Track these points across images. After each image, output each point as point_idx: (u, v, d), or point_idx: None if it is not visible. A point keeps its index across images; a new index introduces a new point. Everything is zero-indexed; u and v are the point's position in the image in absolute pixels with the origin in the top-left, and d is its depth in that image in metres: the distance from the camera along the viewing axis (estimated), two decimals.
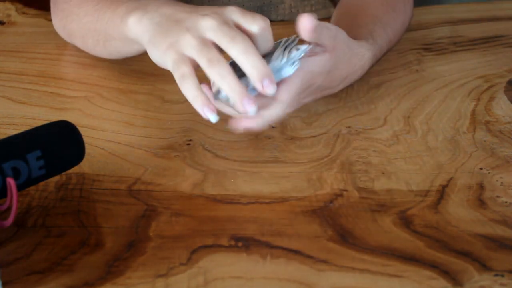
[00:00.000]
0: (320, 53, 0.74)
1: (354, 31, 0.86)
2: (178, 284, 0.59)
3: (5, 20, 1.03)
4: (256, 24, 0.69)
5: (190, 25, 0.69)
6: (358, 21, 0.90)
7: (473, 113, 0.85)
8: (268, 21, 0.70)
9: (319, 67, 0.74)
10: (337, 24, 0.94)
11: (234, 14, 0.70)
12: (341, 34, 0.77)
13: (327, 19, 1.06)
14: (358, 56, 0.82)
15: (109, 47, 0.85)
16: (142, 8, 0.75)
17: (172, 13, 0.72)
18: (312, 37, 0.71)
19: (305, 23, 0.69)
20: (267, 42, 0.70)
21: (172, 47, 0.69)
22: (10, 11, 1.06)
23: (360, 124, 0.82)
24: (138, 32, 0.75)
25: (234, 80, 0.67)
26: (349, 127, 0.81)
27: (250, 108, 0.67)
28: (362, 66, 0.83)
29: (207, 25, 0.69)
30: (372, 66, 0.88)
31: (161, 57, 0.71)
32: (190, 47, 0.68)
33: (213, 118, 0.68)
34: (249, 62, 0.67)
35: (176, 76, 0.69)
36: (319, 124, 0.81)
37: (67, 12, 0.89)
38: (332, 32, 0.75)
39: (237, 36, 0.68)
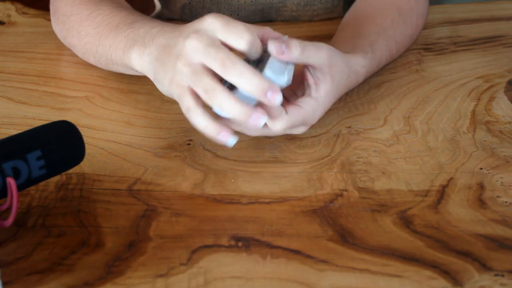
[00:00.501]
0: (322, 78, 0.74)
1: (355, 41, 0.86)
2: (178, 284, 0.59)
3: (5, 20, 1.03)
4: (243, 41, 0.68)
5: (178, 53, 0.69)
6: (363, 30, 0.90)
7: (473, 113, 0.85)
8: (254, 32, 0.69)
9: (326, 93, 0.74)
10: (341, 32, 0.93)
11: (217, 31, 0.68)
12: (336, 54, 0.76)
13: (329, 21, 1.07)
14: (354, 73, 0.82)
15: (111, 68, 0.86)
16: (140, 41, 0.76)
17: (165, 42, 0.72)
18: (301, 58, 0.71)
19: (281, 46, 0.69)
20: (257, 51, 0.70)
21: (172, 82, 0.70)
22: (10, 11, 1.06)
23: (360, 124, 0.82)
24: (143, 68, 0.76)
25: (233, 103, 0.67)
26: (349, 127, 0.81)
27: (260, 122, 0.68)
28: (356, 81, 0.84)
29: (192, 48, 0.68)
30: (366, 79, 0.88)
31: (168, 93, 0.73)
32: (184, 77, 0.69)
33: (230, 141, 0.69)
34: (247, 83, 0.66)
35: (183, 111, 0.70)
36: (319, 124, 0.81)
37: (68, 26, 0.90)
38: (322, 51, 0.73)
39: (226, 60, 0.67)
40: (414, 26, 0.95)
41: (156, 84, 0.75)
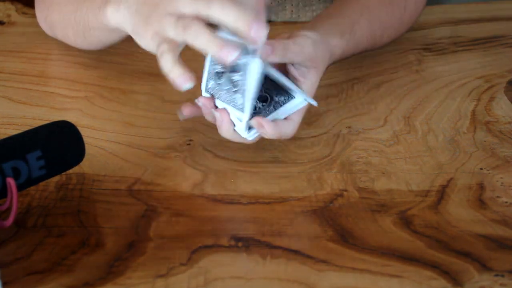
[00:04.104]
0: (307, 71, 0.73)
1: (336, 18, 0.85)
2: (178, 284, 0.59)
3: (5, 20, 1.03)
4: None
5: (169, 10, 0.67)
6: (346, 8, 0.87)
7: (473, 113, 0.85)
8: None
9: (312, 84, 0.74)
10: (326, 9, 0.90)
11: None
12: (319, 44, 0.75)
13: None
14: (332, 55, 0.80)
15: (89, 37, 0.85)
16: None
17: None
18: (279, 57, 0.70)
19: (266, 49, 0.68)
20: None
21: (156, 35, 0.68)
22: (10, 11, 1.06)
23: (360, 124, 0.82)
24: (119, 21, 0.74)
25: (208, 33, 0.64)
26: (349, 127, 0.81)
27: (231, 56, 0.64)
28: (331, 62, 0.81)
29: (183, 2, 0.66)
30: (343, 58, 0.85)
31: (148, 45, 0.70)
32: (171, 28, 0.66)
33: (187, 86, 0.65)
34: (231, 16, 0.64)
35: (158, 55, 0.67)
36: (319, 124, 0.81)
37: (48, 3, 0.90)
38: (306, 48, 0.73)
39: None
40: (403, 8, 0.92)
41: (134, 37, 0.72)
